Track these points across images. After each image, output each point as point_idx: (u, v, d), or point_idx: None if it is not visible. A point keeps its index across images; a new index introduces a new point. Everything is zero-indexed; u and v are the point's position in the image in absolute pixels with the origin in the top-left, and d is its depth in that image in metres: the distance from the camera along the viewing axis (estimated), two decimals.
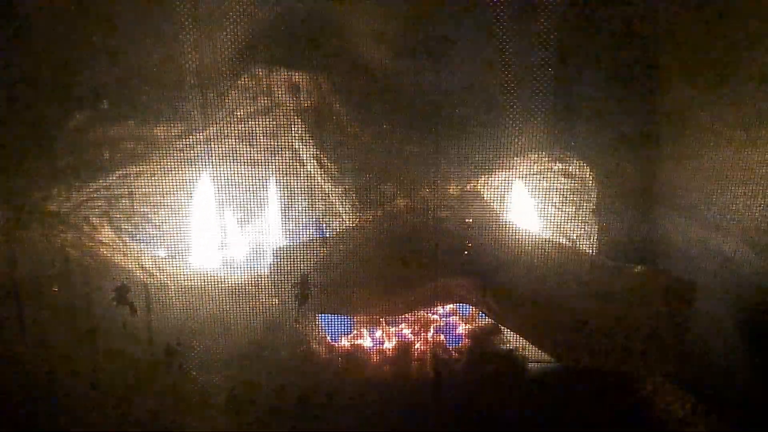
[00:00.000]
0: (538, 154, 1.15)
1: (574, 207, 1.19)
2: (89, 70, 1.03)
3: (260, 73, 1.10)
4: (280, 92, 1.11)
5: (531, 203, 1.19)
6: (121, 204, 1.12)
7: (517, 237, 1.07)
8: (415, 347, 1.11)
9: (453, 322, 1.19)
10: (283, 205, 1.19)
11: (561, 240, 1.20)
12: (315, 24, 1.06)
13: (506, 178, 1.16)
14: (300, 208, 1.23)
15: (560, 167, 1.17)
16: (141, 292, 1.04)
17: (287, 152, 1.17)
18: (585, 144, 1.13)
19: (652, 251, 1.16)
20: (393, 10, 1.07)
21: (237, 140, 1.13)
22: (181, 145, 1.11)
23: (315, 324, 1.12)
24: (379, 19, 1.07)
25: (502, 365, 1.08)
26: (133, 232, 1.15)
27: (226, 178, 1.12)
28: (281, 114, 1.13)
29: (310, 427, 1.03)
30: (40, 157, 1.04)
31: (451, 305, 1.21)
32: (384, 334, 1.15)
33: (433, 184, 1.10)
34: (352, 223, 1.14)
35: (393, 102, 1.10)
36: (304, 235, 1.23)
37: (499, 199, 1.16)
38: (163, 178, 1.12)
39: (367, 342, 1.14)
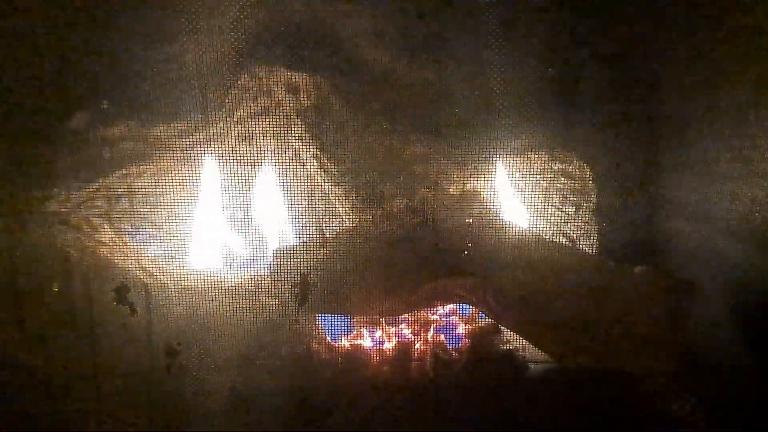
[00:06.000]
0: (538, 154, 1.15)
1: (573, 207, 1.19)
2: (89, 70, 1.03)
3: (260, 73, 1.10)
4: (280, 92, 1.11)
5: (530, 203, 1.19)
6: (121, 204, 1.12)
7: (516, 237, 1.07)
8: (415, 347, 1.11)
9: (453, 322, 1.19)
10: (282, 205, 1.19)
11: (561, 240, 1.20)
12: (315, 24, 1.06)
13: (506, 178, 1.16)
14: (300, 208, 1.23)
15: (560, 167, 1.17)
16: (141, 292, 1.04)
17: (287, 152, 1.17)
18: (585, 144, 1.13)
19: (653, 251, 1.16)
20: (393, 9, 1.07)
21: (237, 140, 1.13)
22: (182, 145, 1.11)
23: (315, 324, 1.12)
24: (379, 19, 1.07)
25: (502, 365, 1.08)
26: (133, 232, 1.15)
27: (225, 178, 1.12)
28: (281, 114, 1.13)
29: (310, 427, 1.03)
30: (41, 157, 1.04)
31: (451, 305, 1.21)
32: (384, 334, 1.14)
33: (433, 184, 1.09)
34: (352, 224, 1.14)
35: (393, 102, 1.09)
36: (304, 235, 1.23)
37: (498, 199, 1.15)
38: (163, 178, 1.11)
39: (367, 342, 1.14)
